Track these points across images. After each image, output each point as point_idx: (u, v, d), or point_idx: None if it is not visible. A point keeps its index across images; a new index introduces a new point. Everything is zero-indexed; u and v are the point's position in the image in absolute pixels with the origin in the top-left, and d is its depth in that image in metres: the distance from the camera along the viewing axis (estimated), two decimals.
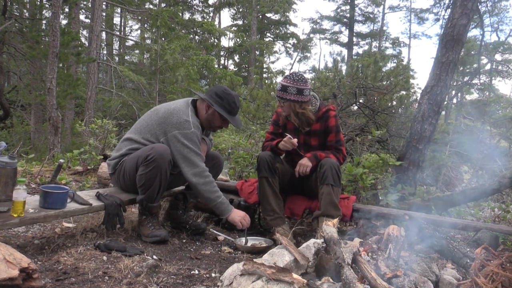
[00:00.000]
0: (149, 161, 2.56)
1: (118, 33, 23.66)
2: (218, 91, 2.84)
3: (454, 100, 21.20)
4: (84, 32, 21.42)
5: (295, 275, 1.68)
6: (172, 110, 2.75)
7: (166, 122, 2.72)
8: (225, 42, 28.75)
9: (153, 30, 16.21)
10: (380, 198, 3.51)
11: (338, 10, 29.10)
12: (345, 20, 29.34)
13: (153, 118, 2.80)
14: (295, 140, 2.96)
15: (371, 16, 29.15)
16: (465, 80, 19.94)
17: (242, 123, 5.73)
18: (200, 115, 2.87)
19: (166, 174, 2.65)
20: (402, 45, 29.41)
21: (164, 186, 2.70)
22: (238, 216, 2.84)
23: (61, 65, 11.76)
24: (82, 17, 21.49)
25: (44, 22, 12.44)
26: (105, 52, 21.86)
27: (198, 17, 24.91)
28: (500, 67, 19.64)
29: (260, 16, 26.28)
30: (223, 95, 2.81)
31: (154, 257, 2.39)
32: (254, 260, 1.85)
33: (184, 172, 2.70)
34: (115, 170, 2.86)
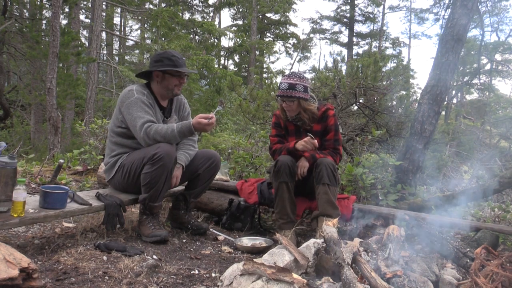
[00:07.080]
0: (155, 160, 2.57)
1: (118, 33, 23.67)
2: (153, 58, 2.90)
3: (454, 100, 21.23)
4: (84, 32, 21.49)
5: (295, 275, 1.68)
6: (121, 93, 2.88)
7: (118, 104, 2.84)
8: (225, 42, 28.82)
9: (153, 30, 16.23)
10: (380, 198, 3.51)
11: (338, 10, 29.13)
12: (345, 20, 29.35)
13: (115, 110, 2.92)
14: (315, 141, 2.96)
15: (371, 16, 29.16)
16: (465, 80, 19.94)
17: (242, 123, 5.74)
18: (157, 89, 2.91)
19: (172, 173, 2.67)
20: (402, 45, 29.48)
21: (168, 185, 2.71)
22: (198, 119, 2.65)
23: (61, 65, 11.74)
24: (82, 17, 21.52)
25: (44, 22, 12.42)
26: (105, 52, 21.87)
27: (198, 17, 24.94)
28: (500, 67, 19.63)
29: (260, 16, 26.29)
30: (159, 57, 2.85)
31: (154, 257, 2.38)
32: (254, 260, 1.85)
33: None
34: (115, 171, 2.84)
